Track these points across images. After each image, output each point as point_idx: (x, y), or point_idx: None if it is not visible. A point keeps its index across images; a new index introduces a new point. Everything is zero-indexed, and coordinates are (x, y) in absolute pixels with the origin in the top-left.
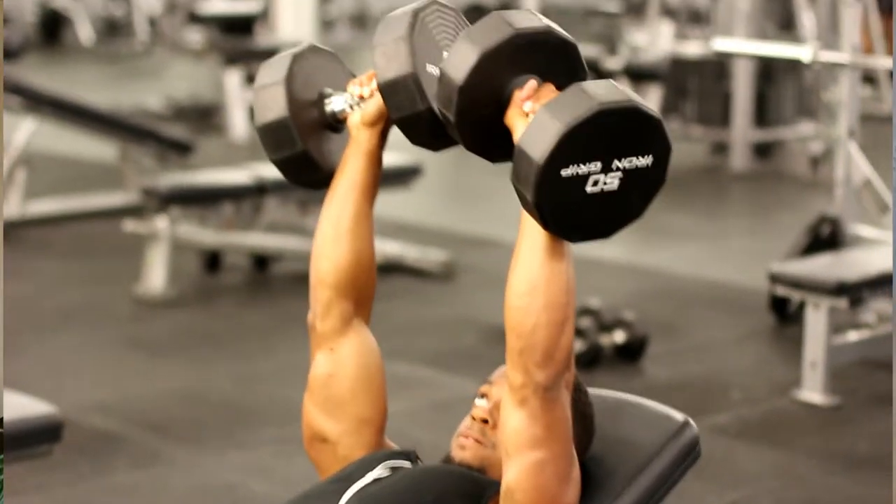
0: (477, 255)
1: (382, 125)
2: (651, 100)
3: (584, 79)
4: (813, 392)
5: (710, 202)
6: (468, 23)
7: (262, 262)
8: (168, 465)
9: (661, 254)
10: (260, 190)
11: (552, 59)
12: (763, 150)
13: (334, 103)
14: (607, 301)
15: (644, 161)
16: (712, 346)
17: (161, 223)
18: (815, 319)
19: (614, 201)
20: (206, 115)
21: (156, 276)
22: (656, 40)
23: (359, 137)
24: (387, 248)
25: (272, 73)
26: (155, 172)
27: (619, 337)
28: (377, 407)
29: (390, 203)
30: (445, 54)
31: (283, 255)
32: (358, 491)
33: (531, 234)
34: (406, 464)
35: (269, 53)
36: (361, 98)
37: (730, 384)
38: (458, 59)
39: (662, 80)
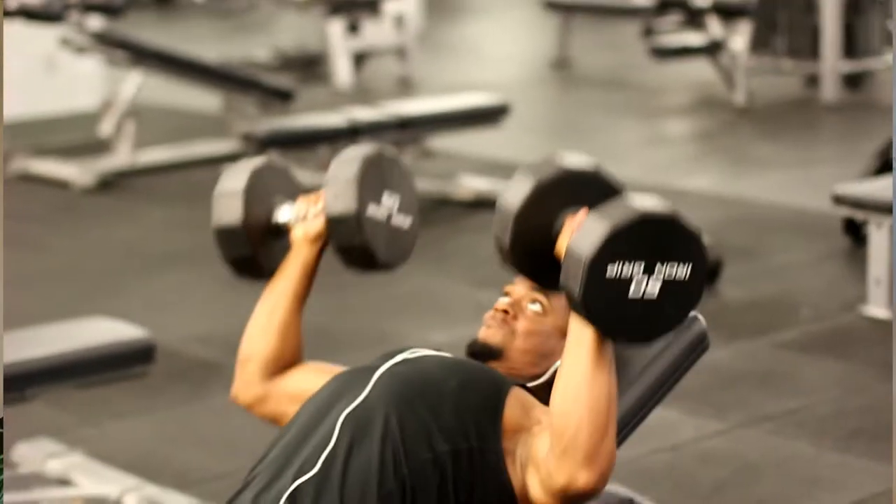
0: None
1: (321, 243)
2: (741, 35)
3: None
4: (878, 307)
5: (802, 133)
6: (405, 172)
7: None
8: None
9: (748, 182)
10: (354, 132)
11: (601, 197)
12: (853, 81)
13: (282, 215)
14: None
15: (683, 271)
16: (787, 268)
17: None
18: (878, 238)
19: (653, 310)
20: (311, 65)
21: None
22: None
23: (300, 250)
24: (475, 183)
25: (233, 182)
26: (257, 120)
27: None
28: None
29: (481, 140)
30: (385, 194)
31: None
32: (388, 368)
33: (577, 342)
34: (429, 350)
35: (372, 2)
36: (306, 216)
37: (800, 303)
38: (515, 190)
39: (751, 15)
